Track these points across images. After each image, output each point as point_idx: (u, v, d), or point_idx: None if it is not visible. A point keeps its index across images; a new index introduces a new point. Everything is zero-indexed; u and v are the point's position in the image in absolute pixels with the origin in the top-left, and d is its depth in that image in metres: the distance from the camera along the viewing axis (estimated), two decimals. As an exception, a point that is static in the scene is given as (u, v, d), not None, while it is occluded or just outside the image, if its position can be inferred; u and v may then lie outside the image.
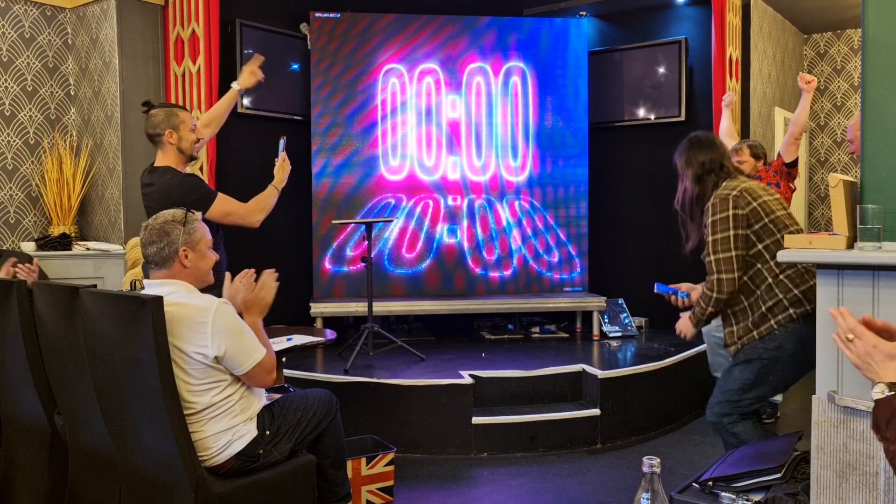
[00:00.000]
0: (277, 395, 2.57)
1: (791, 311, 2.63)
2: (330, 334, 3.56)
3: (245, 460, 2.28)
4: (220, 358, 2.21)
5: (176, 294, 2.23)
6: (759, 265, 2.68)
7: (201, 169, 4.76)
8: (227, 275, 2.49)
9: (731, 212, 2.66)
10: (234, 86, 3.53)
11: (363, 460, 3.08)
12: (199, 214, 2.39)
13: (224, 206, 3.05)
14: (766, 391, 2.70)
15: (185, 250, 2.29)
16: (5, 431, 2.96)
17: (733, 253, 2.65)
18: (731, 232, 2.65)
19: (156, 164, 3.10)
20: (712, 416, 2.77)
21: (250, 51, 5.18)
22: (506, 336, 5.36)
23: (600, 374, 4.08)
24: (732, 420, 2.70)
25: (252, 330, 2.32)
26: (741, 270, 2.66)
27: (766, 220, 2.67)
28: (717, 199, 2.71)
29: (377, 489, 3.13)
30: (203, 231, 2.36)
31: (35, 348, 2.68)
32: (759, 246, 2.67)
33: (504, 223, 5.58)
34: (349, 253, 5.43)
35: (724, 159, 2.83)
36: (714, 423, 2.77)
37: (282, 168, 3.25)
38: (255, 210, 3.15)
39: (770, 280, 2.66)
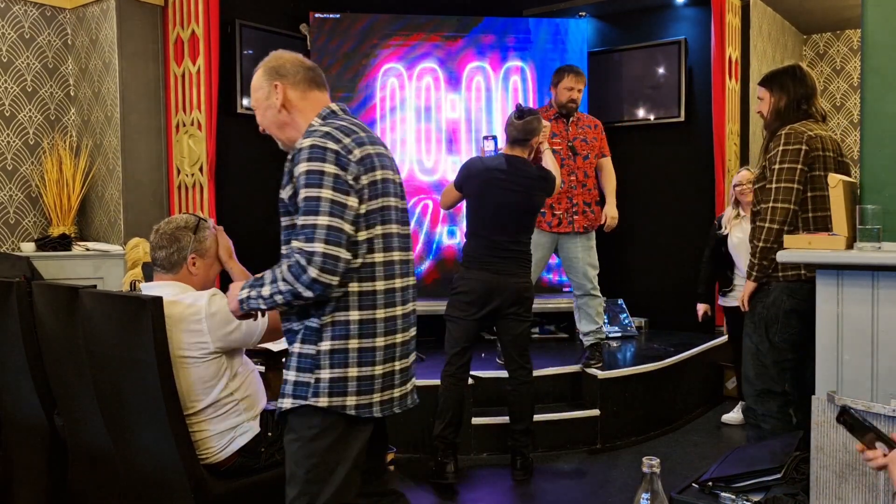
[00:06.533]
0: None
1: (790, 271, 2.66)
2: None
3: (247, 457, 2.27)
4: (224, 345, 2.19)
5: (168, 295, 2.20)
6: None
7: (201, 169, 4.76)
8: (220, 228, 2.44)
9: (804, 147, 2.66)
10: None
11: (363, 460, 3.07)
12: (211, 222, 2.39)
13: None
14: (777, 355, 2.71)
15: (193, 258, 2.30)
16: (5, 431, 2.96)
17: (795, 185, 2.65)
18: (800, 165, 2.65)
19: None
20: (745, 407, 2.89)
21: (250, 51, 5.18)
22: (505, 336, 5.35)
23: (600, 374, 4.08)
24: (767, 410, 2.73)
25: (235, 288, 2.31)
26: (798, 206, 2.66)
27: (822, 172, 2.66)
28: (792, 130, 2.70)
29: (377, 489, 3.12)
30: (213, 240, 2.36)
31: (35, 348, 2.68)
32: (807, 194, 2.68)
33: (504, 223, 5.56)
34: (349, 253, 5.41)
35: (812, 98, 2.81)
36: (746, 410, 2.85)
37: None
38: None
39: (799, 231, 2.68)
